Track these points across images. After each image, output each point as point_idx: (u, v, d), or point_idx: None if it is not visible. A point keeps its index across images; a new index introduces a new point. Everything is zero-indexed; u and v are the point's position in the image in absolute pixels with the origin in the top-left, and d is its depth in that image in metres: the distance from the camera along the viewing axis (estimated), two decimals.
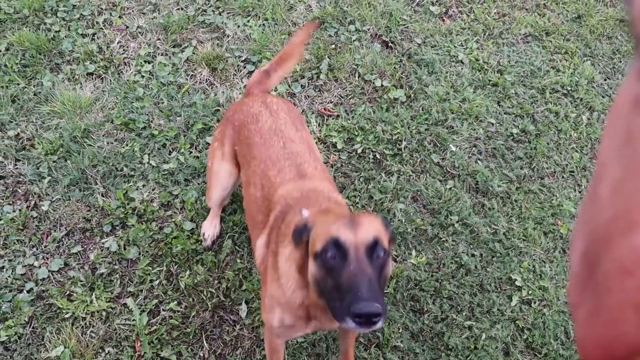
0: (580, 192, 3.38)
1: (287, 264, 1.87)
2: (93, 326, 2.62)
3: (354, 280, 1.55)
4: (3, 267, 2.75)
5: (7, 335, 2.55)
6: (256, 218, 2.23)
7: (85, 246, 2.86)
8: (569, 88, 3.85)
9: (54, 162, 3.08)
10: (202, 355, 2.59)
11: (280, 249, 1.94)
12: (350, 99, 3.58)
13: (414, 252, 2.97)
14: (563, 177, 3.41)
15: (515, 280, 2.94)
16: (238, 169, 2.48)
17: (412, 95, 3.63)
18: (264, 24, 3.89)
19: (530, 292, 2.92)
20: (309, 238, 1.73)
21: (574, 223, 3.17)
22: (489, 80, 3.80)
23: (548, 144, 3.53)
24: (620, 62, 4.09)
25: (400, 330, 2.72)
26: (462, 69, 3.85)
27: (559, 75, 3.92)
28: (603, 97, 3.84)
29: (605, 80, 3.97)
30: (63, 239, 2.86)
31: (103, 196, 2.99)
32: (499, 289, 2.92)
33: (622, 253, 0.36)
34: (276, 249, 1.97)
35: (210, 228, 2.87)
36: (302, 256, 1.79)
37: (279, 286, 1.92)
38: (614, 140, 0.39)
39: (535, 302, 2.89)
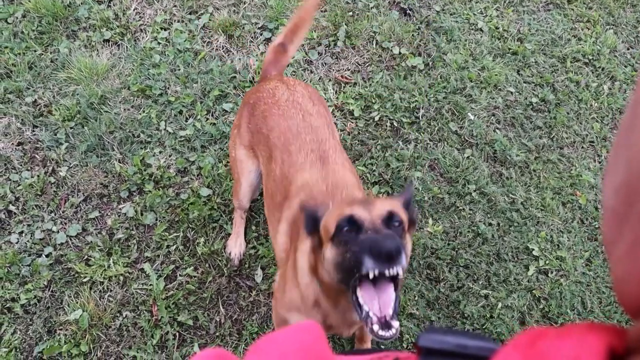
0: (600, 162, 3.32)
1: (304, 259, 1.79)
2: (111, 290, 2.65)
3: (372, 237, 1.43)
4: (22, 231, 2.78)
5: (26, 299, 2.59)
6: (275, 198, 2.12)
7: (102, 212, 2.87)
8: (590, 57, 3.77)
9: (71, 128, 3.09)
10: (218, 320, 2.61)
11: (299, 244, 1.85)
12: (367, 66, 3.53)
13: (430, 221, 2.95)
14: (583, 147, 3.36)
15: (533, 250, 2.92)
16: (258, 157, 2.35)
17: (430, 63, 3.58)
18: None
19: (547, 262, 2.89)
20: (319, 230, 1.63)
21: (593, 193, 3.13)
22: (509, 49, 3.73)
23: (568, 113, 3.47)
24: None
25: (416, 298, 2.72)
26: (481, 37, 3.77)
27: (580, 44, 3.84)
28: (625, 66, 3.76)
29: (628, 49, 3.88)
30: (81, 204, 2.88)
31: (120, 162, 3.00)
32: (515, 259, 2.91)
33: None
34: (297, 245, 1.88)
35: (235, 247, 2.76)
36: (314, 252, 1.69)
37: (297, 287, 1.84)
38: None
39: (552, 272, 2.88)
